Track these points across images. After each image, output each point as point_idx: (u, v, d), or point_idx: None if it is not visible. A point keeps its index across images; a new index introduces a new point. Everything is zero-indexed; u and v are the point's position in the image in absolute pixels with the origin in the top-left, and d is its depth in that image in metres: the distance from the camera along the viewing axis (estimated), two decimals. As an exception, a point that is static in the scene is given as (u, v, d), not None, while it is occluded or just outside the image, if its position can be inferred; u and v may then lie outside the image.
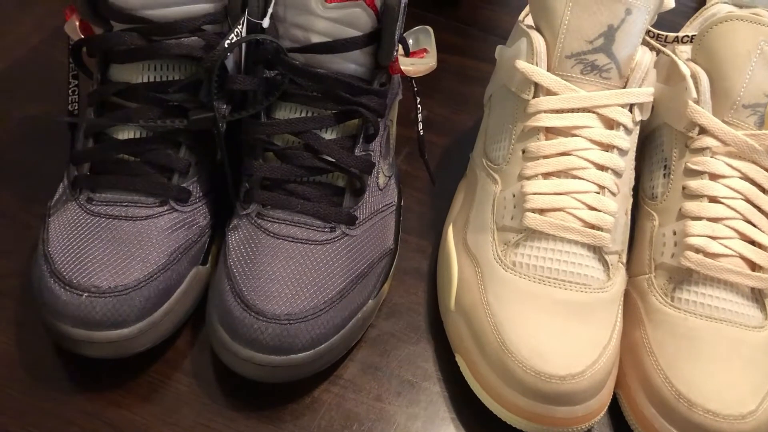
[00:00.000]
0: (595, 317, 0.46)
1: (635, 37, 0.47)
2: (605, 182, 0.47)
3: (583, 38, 0.46)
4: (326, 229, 0.47)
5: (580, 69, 0.47)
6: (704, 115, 0.48)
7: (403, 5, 0.45)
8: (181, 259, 0.46)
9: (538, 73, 0.47)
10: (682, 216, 0.48)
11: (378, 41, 0.46)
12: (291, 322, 0.43)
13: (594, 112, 0.47)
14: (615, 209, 0.47)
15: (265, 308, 0.43)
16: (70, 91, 0.51)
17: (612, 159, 0.47)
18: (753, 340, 0.46)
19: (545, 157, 0.47)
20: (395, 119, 0.55)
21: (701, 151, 0.49)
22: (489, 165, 0.51)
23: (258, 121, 0.48)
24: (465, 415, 0.47)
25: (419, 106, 0.53)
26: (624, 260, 0.49)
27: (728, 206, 0.47)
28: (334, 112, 0.47)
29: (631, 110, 0.48)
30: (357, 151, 0.48)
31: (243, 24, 0.46)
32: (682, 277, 0.47)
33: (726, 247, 0.46)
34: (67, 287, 0.43)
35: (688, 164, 0.49)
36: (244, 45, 0.47)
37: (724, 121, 0.48)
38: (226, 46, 0.44)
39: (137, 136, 0.47)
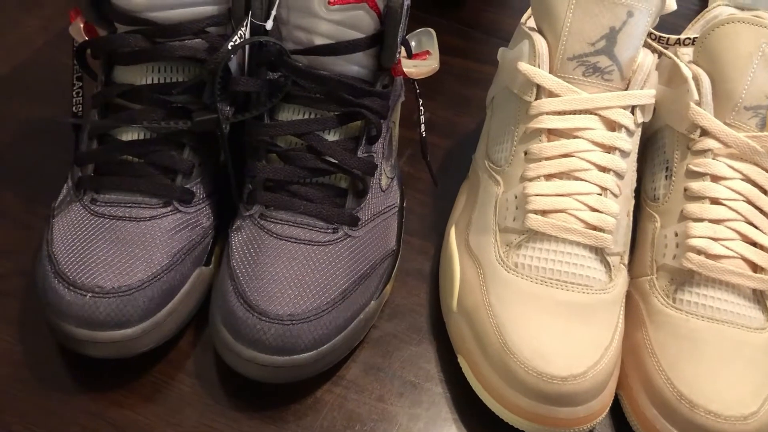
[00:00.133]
0: (597, 318, 0.46)
1: (637, 39, 0.47)
2: (607, 184, 0.47)
3: (585, 40, 0.46)
4: (329, 231, 0.47)
5: (582, 71, 0.47)
6: (706, 117, 0.48)
7: (405, 7, 0.46)
8: (185, 259, 0.47)
9: (540, 75, 0.47)
10: (684, 217, 0.48)
11: (381, 43, 0.46)
12: (294, 322, 0.43)
13: (596, 114, 0.47)
14: (617, 211, 0.47)
15: (268, 309, 0.43)
16: (74, 92, 0.51)
17: (614, 161, 0.47)
18: (754, 341, 0.46)
19: (547, 158, 0.47)
20: (398, 121, 0.55)
21: (703, 152, 0.49)
22: (491, 167, 0.51)
23: (261, 123, 0.48)
24: (467, 416, 0.47)
25: (422, 108, 0.53)
26: (626, 262, 0.49)
27: (730, 208, 0.47)
28: (336, 113, 0.47)
29: (632, 112, 0.48)
30: (360, 153, 0.48)
31: (246, 26, 0.46)
32: (684, 279, 0.47)
33: (727, 248, 0.47)
34: (71, 287, 0.43)
35: (690, 166, 0.49)
36: (247, 47, 0.47)
37: (725, 123, 0.48)
38: (230, 48, 0.45)
39: (141, 137, 0.48)
